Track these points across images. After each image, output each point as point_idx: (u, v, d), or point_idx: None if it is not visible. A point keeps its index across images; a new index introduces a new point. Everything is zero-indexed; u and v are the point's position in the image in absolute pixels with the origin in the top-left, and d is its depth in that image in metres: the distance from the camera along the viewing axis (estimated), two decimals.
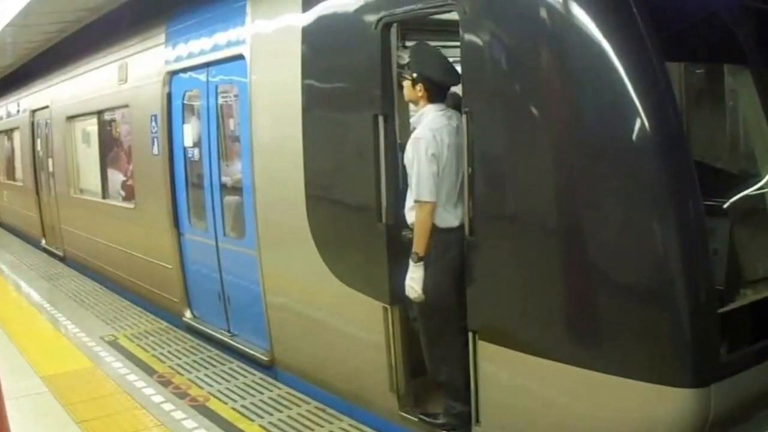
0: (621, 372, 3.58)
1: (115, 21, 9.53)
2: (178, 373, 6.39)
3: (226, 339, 7.00)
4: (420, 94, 4.47)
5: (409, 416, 4.80)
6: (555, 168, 3.74)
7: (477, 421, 4.28)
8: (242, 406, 5.57)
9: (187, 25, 7.32)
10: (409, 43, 5.29)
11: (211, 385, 6.03)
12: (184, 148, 7.52)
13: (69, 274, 11.14)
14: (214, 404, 5.63)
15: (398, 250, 4.67)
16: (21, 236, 15.50)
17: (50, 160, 12.41)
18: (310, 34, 5.25)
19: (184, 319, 7.80)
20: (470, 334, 4.15)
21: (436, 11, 4.30)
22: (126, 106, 8.95)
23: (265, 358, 6.28)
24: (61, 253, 12.46)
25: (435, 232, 4.37)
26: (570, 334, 3.82)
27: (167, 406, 5.62)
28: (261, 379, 6.11)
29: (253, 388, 5.92)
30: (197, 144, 7.33)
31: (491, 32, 3.91)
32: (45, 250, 13.41)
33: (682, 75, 4.95)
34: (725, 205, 4.07)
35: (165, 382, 6.15)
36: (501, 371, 4.10)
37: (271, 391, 5.84)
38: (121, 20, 9.40)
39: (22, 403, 5.67)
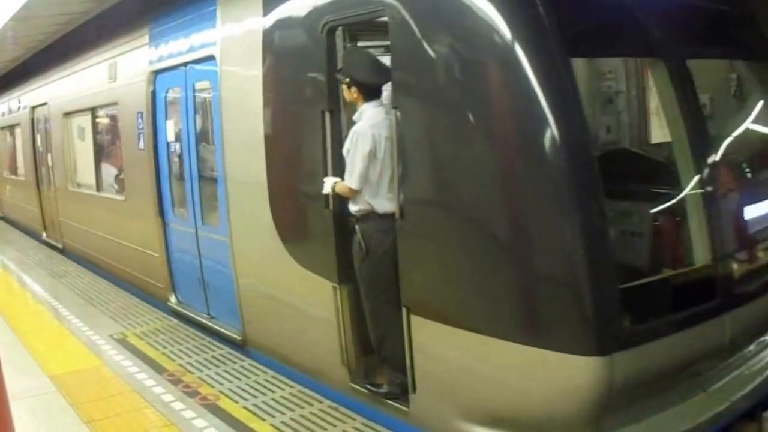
0: (534, 342, 3.96)
1: (108, 21, 9.98)
2: (188, 371, 6.27)
3: (205, 321, 7.45)
4: (355, 95, 4.90)
5: (358, 387, 5.23)
6: (467, 158, 4.14)
7: (414, 389, 4.68)
8: (253, 404, 5.48)
9: (167, 27, 7.77)
10: (361, 44, 5.69)
11: (221, 384, 5.91)
12: (168, 143, 7.99)
13: (77, 271, 11.08)
14: (224, 403, 5.53)
15: (344, 233, 5.10)
16: (24, 230, 15.96)
17: (49, 155, 12.91)
18: (268, 36, 5.70)
19: (169, 304, 8.25)
20: (404, 310, 4.58)
21: (371, 16, 4.71)
22: (116, 103, 9.42)
23: (238, 338, 6.73)
24: (60, 246, 12.96)
25: (375, 218, 4.81)
26: (487, 308, 4.19)
27: (177, 405, 5.52)
28: (273, 377, 6.01)
29: (265, 387, 5.82)
30: (178, 139, 7.79)
31: (414, 35, 4.31)
32: (46, 243, 13.87)
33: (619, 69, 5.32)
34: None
35: (175, 381, 6.03)
36: (431, 343, 4.51)
37: (283, 389, 5.74)
38: (112, 20, 9.83)
39: (30, 403, 5.59)
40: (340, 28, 5.07)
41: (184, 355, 6.74)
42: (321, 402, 5.42)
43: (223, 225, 6.73)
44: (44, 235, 14.14)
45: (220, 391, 5.74)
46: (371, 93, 4.88)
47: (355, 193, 4.81)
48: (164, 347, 7.00)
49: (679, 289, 4.55)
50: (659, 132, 5.51)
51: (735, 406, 4.57)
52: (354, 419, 5.10)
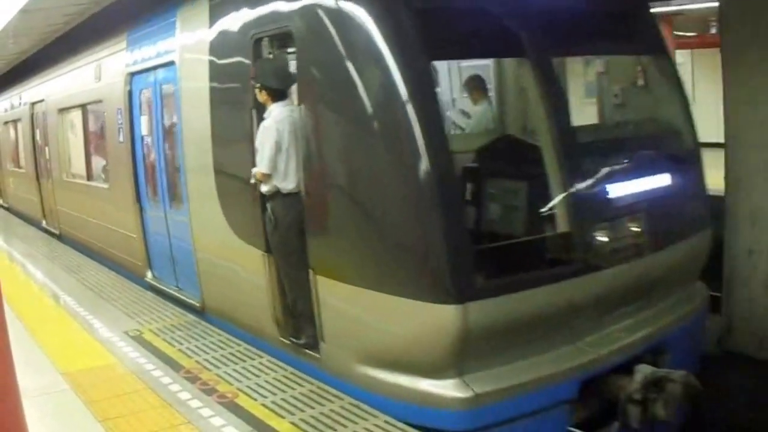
0: (405, 293, 4.87)
1: (96, 25, 11.00)
2: (206, 368, 6.15)
3: (174, 293, 8.47)
4: (265, 97, 5.87)
5: (284, 340, 6.23)
6: (351, 146, 5.14)
7: (322, 339, 5.65)
8: (272, 402, 5.39)
9: (141, 33, 8.82)
10: (291, 49, 6.65)
11: (240, 381, 5.82)
12: (142, 137, 9.04)
13: (89, 265, 11.00)
14: (243, 400, 5.45)
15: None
16: (27, 220, 16.87)
17: (47, 148, 13.94)
18: (213, 45, 6.74)
19: (146, 279, 9.28)
20: (310, 271, 5.58)
21: (283, 30, 5.70)
22: (101, 101, 10.47)
23: (198, 305, 7.75)
24: (57, 232, 14.02)
25: (280, 196, 5.79)
26: (369, 266, 5.14)
27: (194, 403, 5.43)
28: (292, 374, 5.94)
29: (285, 384, 5.74)
30: (150, 133, 8.83)
31: (310, 44, 5.33)
32: (45, 231, 14.87)
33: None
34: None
35: (192, 378, 5.92)
36: (331, 298, 5.46)
37: (303, 386, 5.65)
38: (100, 24, 10.84)
39: (42, 401, 5.51)
40: (266, 38, 6.07)
41: (202, 351, 6.62)
42: (342, 399, 5.37)
43: (185, 207, 7.76)
44: (44, 222, 15.15)
45: (238, 389, 5.66)
46: (278, 95, 5.85)
47: (267, 177, 5.80)
48: (181, 344, 6.86)
49: (539, 251, 5.33)
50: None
51: (603, 359, 5.27)
52: (376, 417, 5.05)
